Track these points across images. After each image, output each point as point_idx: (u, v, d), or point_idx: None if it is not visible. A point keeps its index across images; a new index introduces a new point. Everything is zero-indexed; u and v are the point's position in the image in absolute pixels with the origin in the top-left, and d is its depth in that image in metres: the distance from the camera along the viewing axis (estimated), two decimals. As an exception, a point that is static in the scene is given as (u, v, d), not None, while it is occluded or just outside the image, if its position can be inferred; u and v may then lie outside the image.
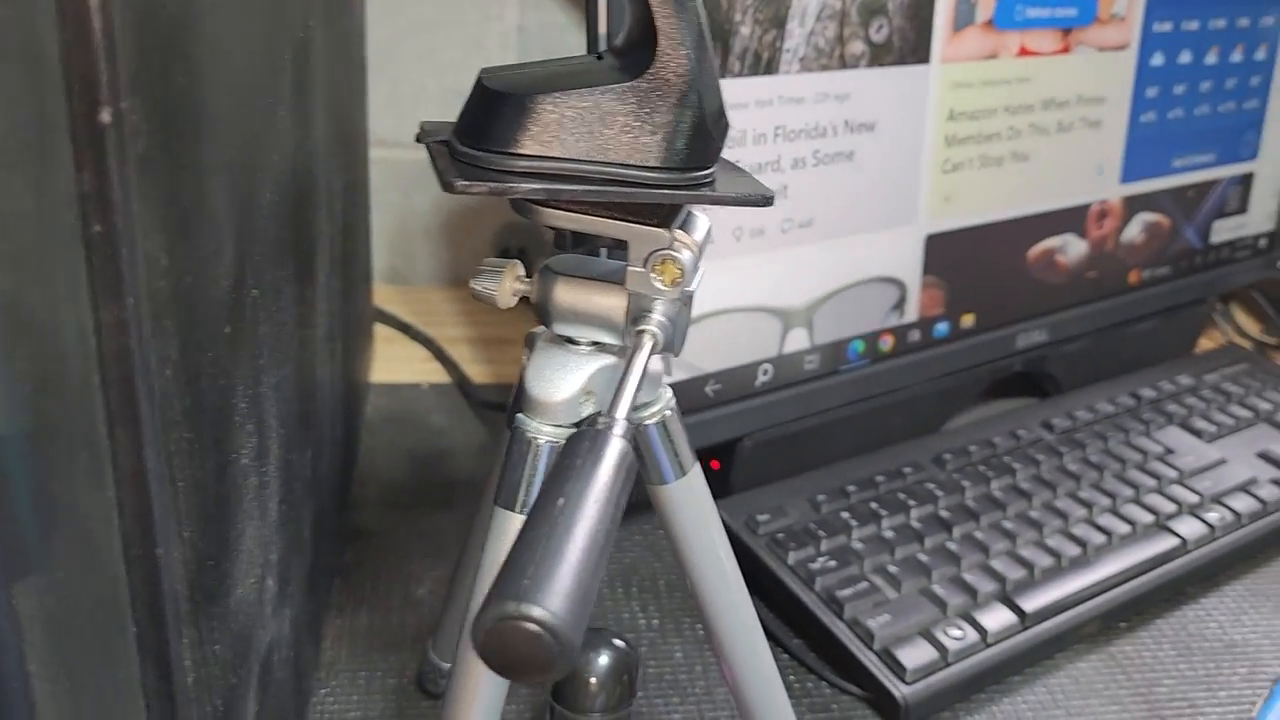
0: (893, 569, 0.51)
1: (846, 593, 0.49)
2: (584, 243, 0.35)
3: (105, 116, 0.17)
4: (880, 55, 0.52)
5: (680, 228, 0.28)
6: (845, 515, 0.54)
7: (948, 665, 0.47)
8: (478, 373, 0.72)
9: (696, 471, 0.32)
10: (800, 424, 0.57)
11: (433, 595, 0.51)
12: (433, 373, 0.72)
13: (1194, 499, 0.58)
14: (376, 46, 0.77)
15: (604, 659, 0.36)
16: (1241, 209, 0.75)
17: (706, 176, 0.26)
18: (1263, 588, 0.56)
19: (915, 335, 0.60)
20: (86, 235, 0.17)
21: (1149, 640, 0.52)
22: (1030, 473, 0.59)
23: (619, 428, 0.23)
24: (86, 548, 0.19)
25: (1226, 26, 0.68)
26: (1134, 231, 0.68)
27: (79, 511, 0.19)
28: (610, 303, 0.28)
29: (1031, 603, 0.50)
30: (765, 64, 0.48)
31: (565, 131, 0.25)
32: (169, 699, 0.23)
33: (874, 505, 0.55)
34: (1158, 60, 0.65)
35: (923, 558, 0.52)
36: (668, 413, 0.31)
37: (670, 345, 0.29)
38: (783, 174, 0.51)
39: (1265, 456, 0.63)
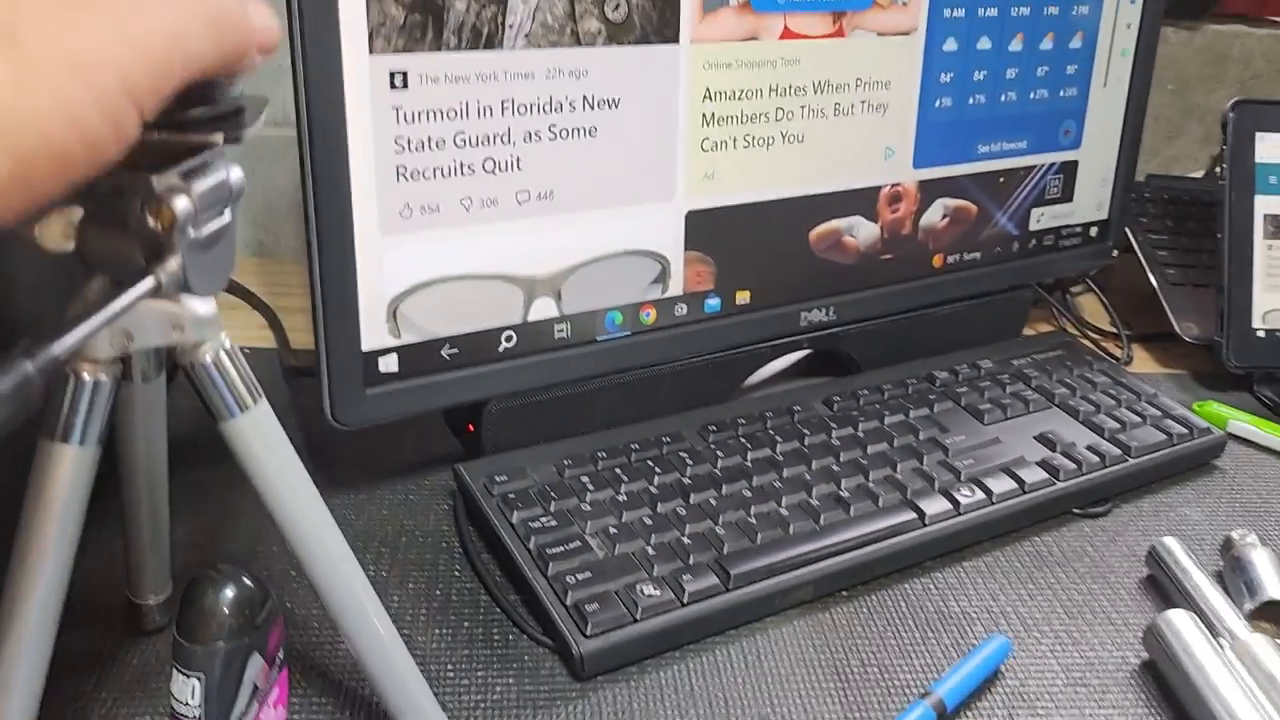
0: (613, 531, 0.53)
1: (556, 551, 0.51)
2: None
3: None
4: (620, 34, 0.54)
5: (185, 175, 0.30)
6: (585, 480, 0.56)
7: (635, 622, 0.48)
8: (308, 340, 0.74)
9: (263, 407, 0.34)
10: (556, 391, 0.59)
11: (180, 544, 0.53)
12: (264, 339, 0.75)
13: (948, 477, 0.60)
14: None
15: (226, 593, 0.39)
16: (1066, 197, 0.76)
17: (189, 121, 0.28)
18: (1001, 564, 0.57)
19: (682, 309, 0.61)
20: None
21: (864, 610, 0.53)
22: (791, 447, 0.61)
23: (28, 355, 0.25)
24: None
25: (1032, 13, 0.69)
26: (935, 216, 0.69)
27: None
28: (125, 247, 0.30)
29: (740, 567, 0.51)
30: (485, 39, 0.50)
31: None
32: None
33: (618, 471, 0.57)
34: (950, 46, 0.66)
35: (647, 521, 0.54)
36: (221, 353, 0.33)
37: (185, 287, 0.31)
38: (514, 147, 0.53)
39: (1042, 439, 0.65)
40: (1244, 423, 0.71)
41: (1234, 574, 0.55)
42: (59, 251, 0.31)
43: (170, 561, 0.47)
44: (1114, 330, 0.83)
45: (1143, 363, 0.81)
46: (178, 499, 0.45)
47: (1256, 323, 0.75)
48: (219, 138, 0.28)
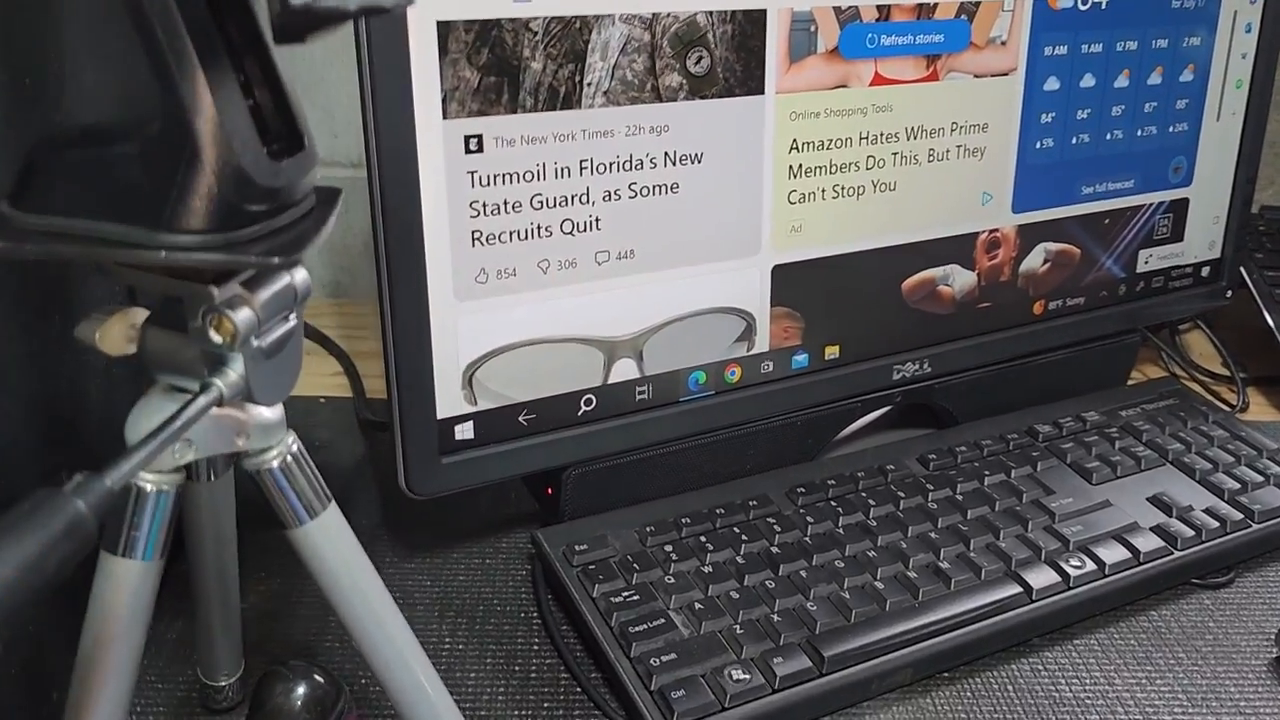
0: (699, 607, 0.50)
1: (639, 629, 0.49)
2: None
3: None
4: (702, 87, 0.52)
5: (249, 283, 0.28)
6: (669, 549, 0.54)
7: (724, 709, 0.46)
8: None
9: (332, 512, 0.33)
10: (638, 454, 0.57)
11: (253, 609, 0.52)
12: (339, 387, 0.74)
13: (1055, 545, 0.56)
14: (309, 71, 0.80)
15: (299, 690, 0.37)
16: (1176, 236, 0.71)
17: (238, 241, 0.27)
18: (1116, 643, 0.54)
19: (768, 366, 0.59)
20: None
21: (968, 694, 0.50)
22: (885, 511, 0.58)
23: (80, 492, 0.24)
24: None
25: (1140, 48, 0.65)
26: (1035, 261, 0.66)
27: None
28: (189, 355, 0.29)
29: (834, 649, 0.48)
30: (563, 99, 0.48)
31: (88, 191, 0.26)
32: None
33: (703, 539, 0.55)
34: (1052, 85, 0.62)
35: (734, 596, 0.51)
36: (288, 459, 0.32)
37: (249, 395, 0.29)
38: (593, 207, 0.51)
39: (1156, 501, 0.60)
40: (1378, 479, 0.65)
41: (1377, 658, 0.51)
42: (119, 355, 0.30)
43: (242, 635, 0.46)
44: (1227, 373, 0.78)
45: (1259, 409, 0.76)
46: (247, 560, 0.44)
47: (1390, 369, 0.70)
48: (275, 261, 0.26)
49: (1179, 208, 0.71)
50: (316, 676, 0.37)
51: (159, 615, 0.49)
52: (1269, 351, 0.76)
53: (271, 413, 0.31)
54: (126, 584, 0.30)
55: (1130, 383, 0.74)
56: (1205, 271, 0.74)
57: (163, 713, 0.47)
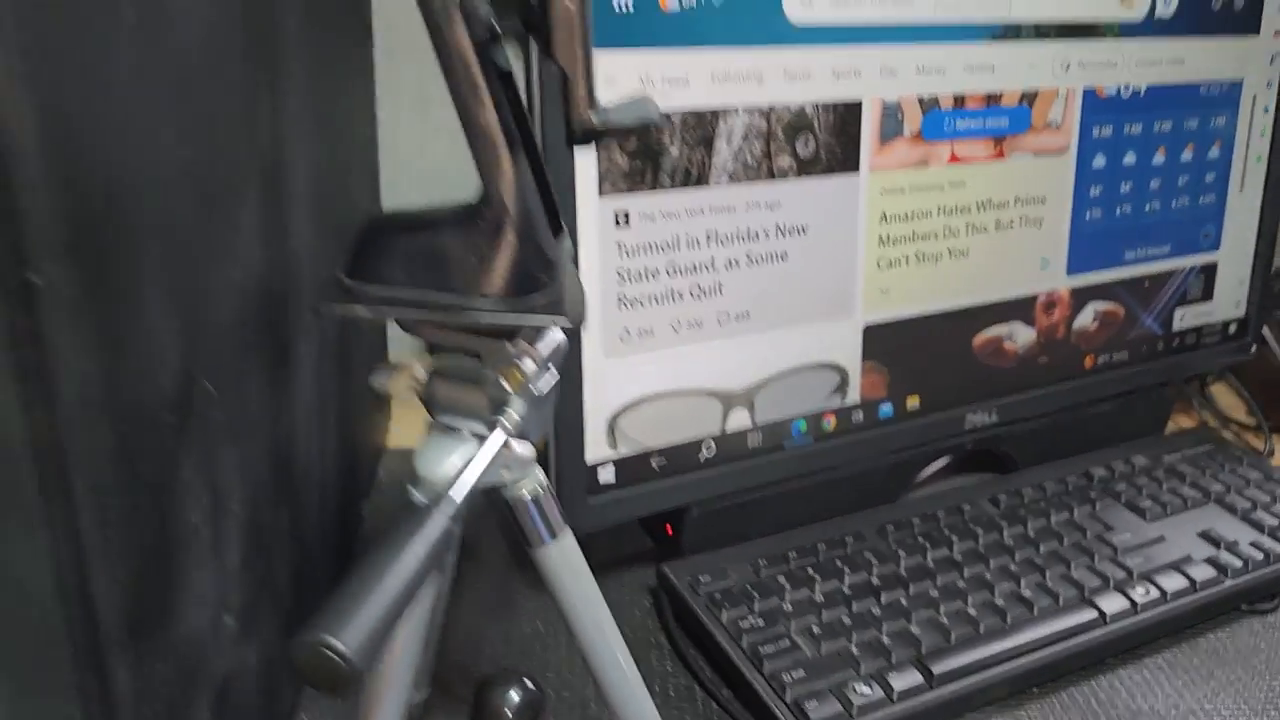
0: (816, 630, 0.56)
1: (769, 649, 0.55)
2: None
3: (32, 278, 0.25)
4: (808, 167, 0.59)
5: (527, 339, 0.35)
6: (781, 579, 0.60)
7: (851, 718, 0.52)
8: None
9: (567, 536, 0.39)
10: (748, 495, 0.63)
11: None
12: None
13: (1121, 575, 0.62)
14: (384, 132, 0.86)
15: (513, 696, 0.43)
16: (1206, 296, 0.79)
17: (532, 302, 0.33)
18: (1181, 661, 0.60)
19: (859, 416, 0.65)
20: (19, 363, 0.25)
21: (1057, 706, 0.56)
22: (967, 546, 0.64)
23: (444, 506, 0.30)
24: (20, 589, 0.27)
25: (1173, 128, 0.73)
26: (1086, 319, 0.73)
27: (12, 559, 0.27)
28: (476, 400, 0.35)
29: (941, 666, 0.54)
30: (695, 178, 0.55)
31: (416, 266, 0.33)
32: (109, 705, 0.31)
33: (810, 571, 0.61)
34: (1099, 162, 0.70)
35: (846, 621, 0.57)
36: (539, 489, 0.38)
37: (525, 434, 0.35)
38: (717, 273, 0.58)
39: (1205, 536, 0.67)
40: (1400, 515, 0.72)
41: None
42: (401, 398, 0.36)
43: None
44: (1253, 422, 0.85)
45: (1285, 454, 0.83)
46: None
47: (1403, 415, 0.77)
48: (560, 320, 0.33)
49: (1209, 271, 0.78)
50: (527, 682, 0.43)
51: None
52: (1289, 401, 0.83)
53: (527, 450, 0.37)
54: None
55: (1166, 431, 0.81)
56: (1232, 328, 0.81)
57: (347, 729, 0.52)
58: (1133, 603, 0.60)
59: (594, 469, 0.57)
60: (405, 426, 0.81)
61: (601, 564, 0.65)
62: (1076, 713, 0.55)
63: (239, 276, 0.41)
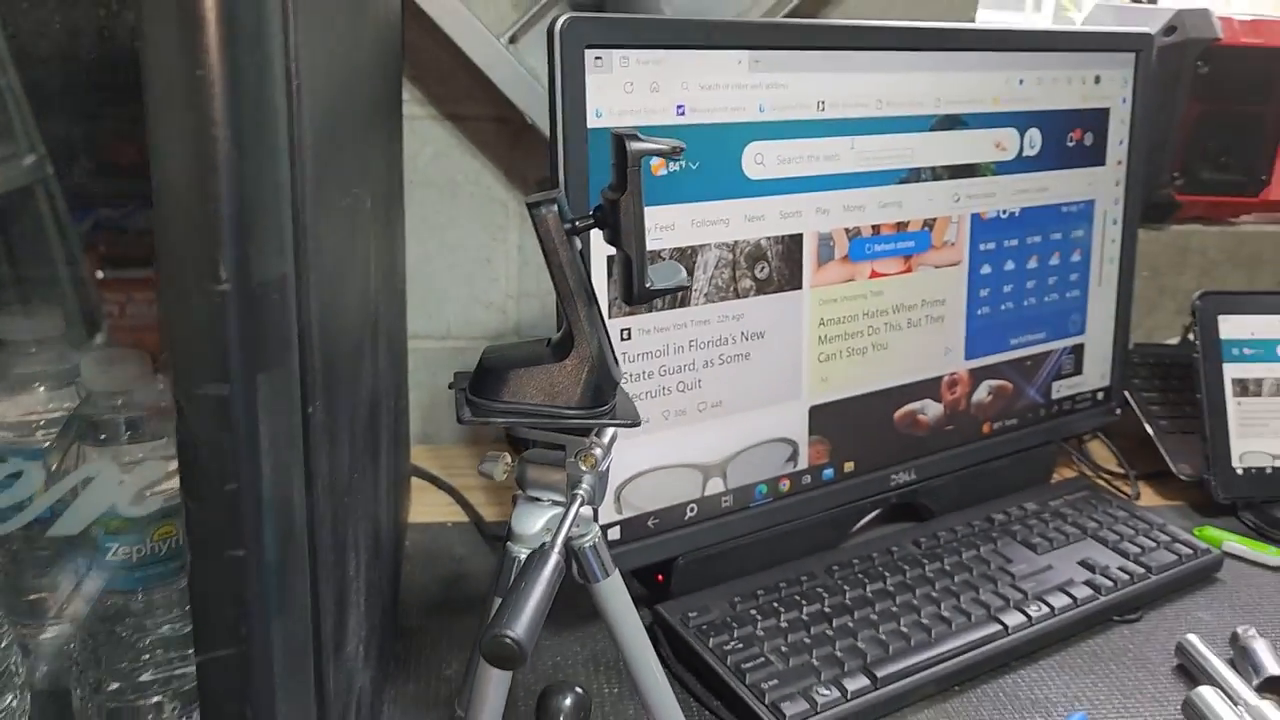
0: (784, 649, 0.71)
1: (749, 666, 0.70)
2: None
3: (309, 410, 0.40)
4: (764, 286, 0.76)
5: (595, 435, 0.50)
6: (754, 612, 0.75)
7: (816, 713, 0.67)
8: (490, 513, 0.93)
9: (617, 575, 0.54)
10: (721, 546, 0.78)
11: (456, 673, 0.71)
12: (455, 514, 0.94)
13: (1019, 596, 0.79)
14: (412, 262, 1.02)
15: (568, 700, 0.57)
16: (1077, 370, 0.97)
17: (605, 410, 0.49)
18: (1068, 661, 0.76)
19: (807, 479, 0.81)
20: (304, 465, 0.40)
21: (976, 699, 0.72)
22: (897, 579, 0.80)
23: (556, 549, 0.45)
24: (296, 610, 0.41)
25: (1042, 240, 0.92)
26: (982, 394, 0.91)
27: (294, 592, 0.41)
28: (556, 478, 0.50)
29: (883, 670, 0.70)
30: (680, 300, 0.72)
31: (525, 387, 0.48)
32: (322, 700, 0.45)
33: (775, 604, 0.76)
34: (986, 270, 0.88)
35: (807, 640, 0.72)
36: (596, 539, 0.53)
37: (593, 501, 0.51)
38: (696, 372, 0.74)
39: (1083, 563, 0.84)
40: (1235, 543, 0.91)
41: (1241, 658, 0.74)
42: (501, 480, 0.52)
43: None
44: (1122, 471, 1.03)
45: (1148, 497, 1.01)
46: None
47: (1235, 462, 0.96)
48: (625, 423, 0.49)
49: (1078, 350, 0.97)
50: (578, 689, 0.57)
51: (395, 676, 0.68)
52: (1150, 455, 1.02)
53: (589, 513, 0.52)
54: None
55: (1053, 480, 0.99)
56: (1100, 395, 1.00)
57: (423, 743, 0.65)
58: (1028, 617, 0.77)
59: (605, 529, 0.72)
60: (422, 505, 0.95)
61: (591, 611, 0.80)
62: (990, 703, 0.71)
63: (365, 394, 0.55)
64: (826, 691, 0.68)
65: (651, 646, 0.56)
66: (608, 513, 0.72)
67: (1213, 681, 0.72)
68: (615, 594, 0.54)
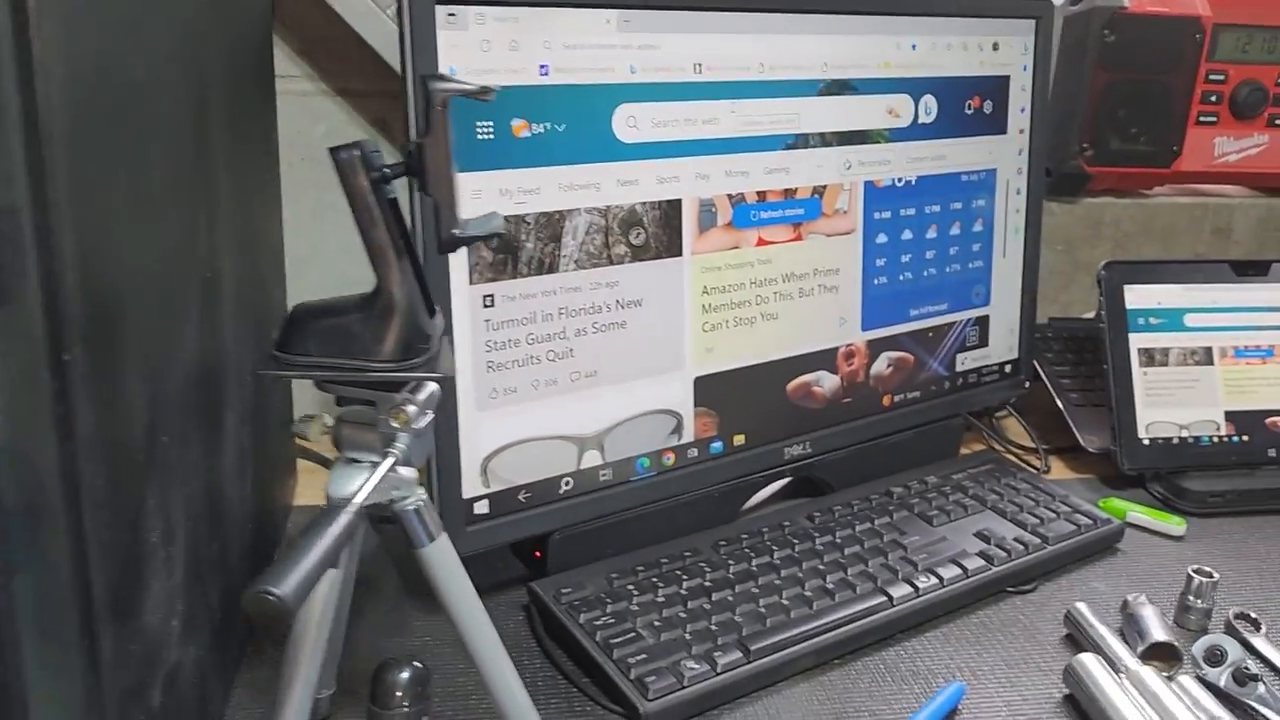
0: (658, 624, 0.70)
1: (617, 640, 0.68)
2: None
3: (65, 356, 0.37)
4: (641, 253, 0.74)
5: (410, 391, 0.48)
6: (630, 588, 0.73)
7: (683, 688, 0.65)
8: (382, 494, 0.91)
9: (444, 541, 0.52)
10: (602, 521, 0.76)
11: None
12: (347, 495, 0.91)
13: (909, 568, 0.77)
14: (308, 240, 0.99)
15: (404, 674, 0.55)
16: (983, 343, 0.96)
17: (416, 364, 0.47)
18: (955, 632, 0.75)
19: (694, 452, 0.80)
20: (55, 413, 0.37)
21: (854, 672, 0.70)
22: (785, 553, 0.78)
23: (349, 509, 0.43)
24: (47, 572, 0.39)
25: (942, 209, 0.90)
26: (881, 366, 0.89)
27: (46, 548, 0.39)
28: (372, 438, 0.48)
29: (757, 644, 0.68)
30: (547, 266, 0.70)
31: (331, 341, 0.46)
32: (95, 666, 0.42)
33: (655, 580, 0.74)
34: (882, 239, 0.87)
35: (682, 615, 0.71)
36: (420, 503, 0.51)
37: (410, 461, 0.49)
38: (568, 341, 0.72)
39: (979, 535, 0.83)
40: (1139, 513, 0.90)
41: (1129, 626, 0.73)
42: (310, 443, 0.49)
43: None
44: (1033, 446, 1.02)
45: (1059, 470, 1.00)
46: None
47: (1142, 433, 0.95)
48: (433, 374, 0.47)
49: (983, 322, 0.95)
50: (416, 664, 0.55)
51: (250, 660, 0.66)
52: (1064, 429, 1.01)
53: (411, 473, 0.50)
54: (325, 584, 0.48)
55: (961, 455, 0.98)
56: (1008, 369, 0.99)
57: (274, 724, 0.63)
58: (915, 588, 0.75)
59: (470, 503, 0.70)
60: (309, 489, 0.93)
61: (485, 588, 0.78)
62: (869, 675, 0.70)
63: (186, 357, 0.53)
64: (695, 666, 0.66)
65: (486, 617, 0.54)
66: (474, 485, 0.70)
67: (1096, 649, 0.70)
68: (442, 560, 0.52)
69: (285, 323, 0.47)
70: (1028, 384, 1.00)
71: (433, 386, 0.50)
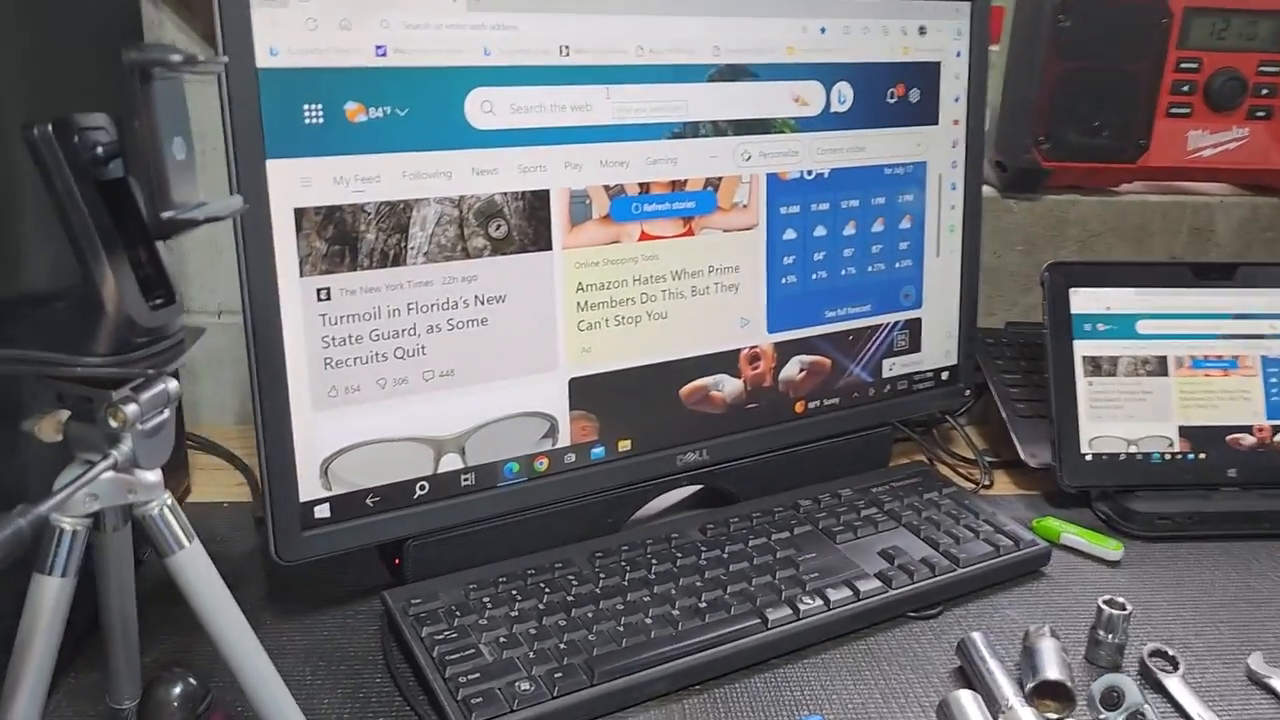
0: (503, 640, 0.65)
1: (454, 657, 0.64)
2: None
3: None
4: (502, 246, 0.70)
5: (136, 388, 0.45)
6: (486, 600, 0.69)
7: (512, 711, 0.60)
8: (278, 494, 0.88)
9: (196, 545, 0.48)
10: (468, 528, 0.72)
11: (154, 660, 0.66)
12: (242, 494, 0.89)
13: (794, 589, 0.72)
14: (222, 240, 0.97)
15: (176, 689, 0.52)
16: (914, 348, 0.90)
17: (131, 359, 0.43)
18: (837, 661, 0.69)
19: (571, 458, 0.75)
20: None
21: (712, 701, 0.65)
22: (664, 568, 0.73)
23: (24, 515, 0.39)
24: None
25: (862, 204, 0.84)
26: (792, 370, 0.84)
27: None
28: (94, 437, 0.45)
29: (603, 666, 0.63)
30: (392, 259, 0.66)
31: (28, 331, 0.43)
32: None
33: (514, 592, 0.70)
34: (790, 235, 0.81)
35: (532, 632, 0.66)
36: (164, 508, 0.47)
37: (135, 463, 0.45)
38: (419, 337, 0.68)
39: (883, 554, 0.77)
40: (1075, 535, 0.83)
41: (1025, 660, 0.67)
42: (51, 441, 0.46)
43: (141, 675, 0.60)
44: (976, 459, 0.95)
45: (1003, 486, 0.94)
46: (155, 630, 0.58)
47: (1085, 448, 0.88)
48: (151, 371, 0.43)
49: (914, 325, 0.89)
50: (190, 680, 0.52)
51: (78, 666, 0.63)
52: (1012, 441, 0.94)
53: (153, 476, 0.47)
54: (49, 594, 0.45)
55: (892, 466, 0.92)
56: (945, 375, 0.92)
57: (79, 734, 0.60)
58: (796, 610, 0.70)
59: (309, 506, 0.66)
60: (211, 485, 0.90)
61: (349, 593, 0.75)
62: (727, 705, 0.65)
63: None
64: (528, 686, 0.62)
65: (248, 628, 0.50)
66: (312, 488, 0.66)
67: (982, 685, 0.64)
68: (194, 568, 0.48)
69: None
70: (968, 392, 0.94)
71: (166, 384, 0.46)
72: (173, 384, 0.47)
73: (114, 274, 0.43)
